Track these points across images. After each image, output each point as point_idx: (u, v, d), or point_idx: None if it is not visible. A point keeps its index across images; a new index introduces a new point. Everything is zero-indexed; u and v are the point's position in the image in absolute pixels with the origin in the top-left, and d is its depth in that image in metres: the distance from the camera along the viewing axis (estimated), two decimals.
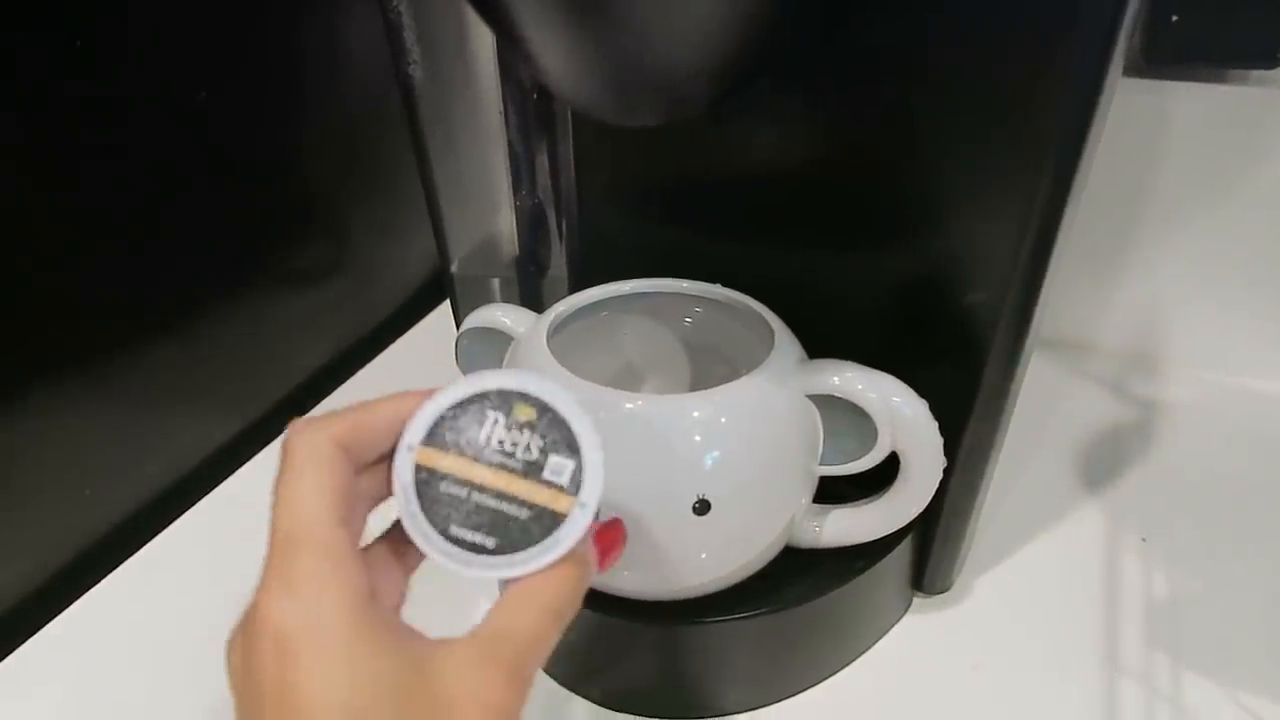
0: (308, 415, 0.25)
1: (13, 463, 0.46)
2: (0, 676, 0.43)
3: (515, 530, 0.25)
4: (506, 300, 0.61)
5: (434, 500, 0.25)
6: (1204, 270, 0.58)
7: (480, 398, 0.25)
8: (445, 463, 0.25)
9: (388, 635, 0.22)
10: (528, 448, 0.25)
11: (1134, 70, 0.54)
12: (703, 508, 0.33)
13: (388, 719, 0.21)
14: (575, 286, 0.41)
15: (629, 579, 0.37)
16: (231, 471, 0.56)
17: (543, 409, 0.25)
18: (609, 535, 0.29)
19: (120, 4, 0.46)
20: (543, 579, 0.24)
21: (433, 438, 0.25)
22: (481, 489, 0.25)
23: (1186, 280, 0.59)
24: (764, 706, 0.40)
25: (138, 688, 0.42)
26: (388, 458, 0.26)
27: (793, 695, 0.40)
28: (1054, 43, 0.30)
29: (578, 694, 0.41)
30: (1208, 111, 0.54)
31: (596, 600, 0.38)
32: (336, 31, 0.61)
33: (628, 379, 0.45)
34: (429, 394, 0.26)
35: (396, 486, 0.25)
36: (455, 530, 0.25)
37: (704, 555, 0.35)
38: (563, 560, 0.25)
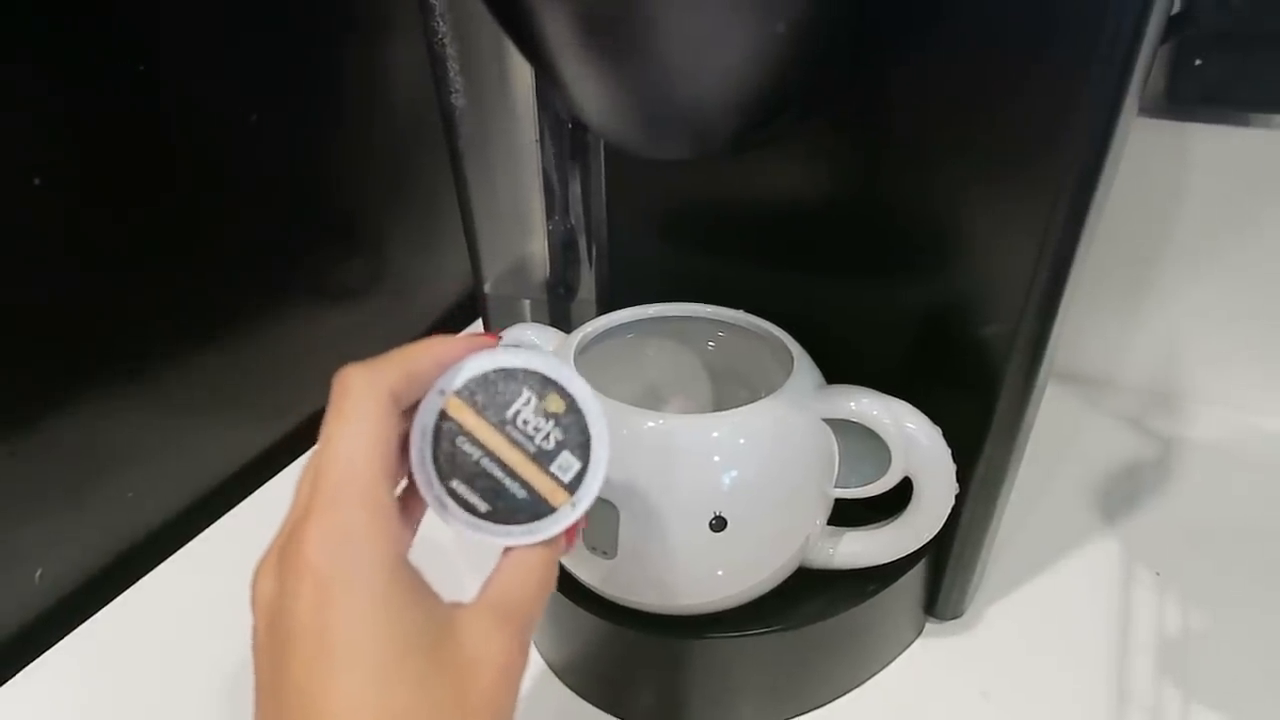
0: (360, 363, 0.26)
1: (60, 464, 0.47)
2: (37, 672, 0.45)
3: (509, 504, 0.26)
4: (536, 320, 0.62)
5: (446, 450, 0.26)
6: (1225, 309, 0.59)
7: (524, 373, 0.27)
8: (469, 420, 0.26)
9: (417, 595, 0.24)
10: (547, 436, 0.26)
11: (1157, 111, 0.55)
12: (719, 525, 0.34)
13: (416, 672, 0.23)
14: (603, 309, 0.43)
15: (646, 593, 0.38)
16: (267, 479, 0.58)
17: (572, 407, 0.27)
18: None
19: (182, 32, 0.49)
20: (537, 555, 0.26)
21: (467, 392, 0.26)
22: (493, 457, 0.26)
23: (1207, 319, 0.59)
24: None
25: (168, 688, 0.44)
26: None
27: (802, 714, 0.41)
28: (1070, 81, 0.31)
29: (593, 705, 0.42)
30: (1231, 152, 0.54)
31: (614, 612, 0.39)
32: (381, 59, 0.63)
33: (651, 399, 0.46)
34: (472, 344, 0.27)
35: (416, 425, 0.26)
36: (455, 484, 0.26)
37: (719, 572, 0.36)
38: (547, 543, 0.27)
